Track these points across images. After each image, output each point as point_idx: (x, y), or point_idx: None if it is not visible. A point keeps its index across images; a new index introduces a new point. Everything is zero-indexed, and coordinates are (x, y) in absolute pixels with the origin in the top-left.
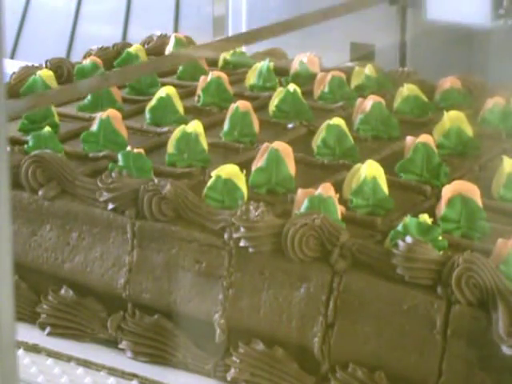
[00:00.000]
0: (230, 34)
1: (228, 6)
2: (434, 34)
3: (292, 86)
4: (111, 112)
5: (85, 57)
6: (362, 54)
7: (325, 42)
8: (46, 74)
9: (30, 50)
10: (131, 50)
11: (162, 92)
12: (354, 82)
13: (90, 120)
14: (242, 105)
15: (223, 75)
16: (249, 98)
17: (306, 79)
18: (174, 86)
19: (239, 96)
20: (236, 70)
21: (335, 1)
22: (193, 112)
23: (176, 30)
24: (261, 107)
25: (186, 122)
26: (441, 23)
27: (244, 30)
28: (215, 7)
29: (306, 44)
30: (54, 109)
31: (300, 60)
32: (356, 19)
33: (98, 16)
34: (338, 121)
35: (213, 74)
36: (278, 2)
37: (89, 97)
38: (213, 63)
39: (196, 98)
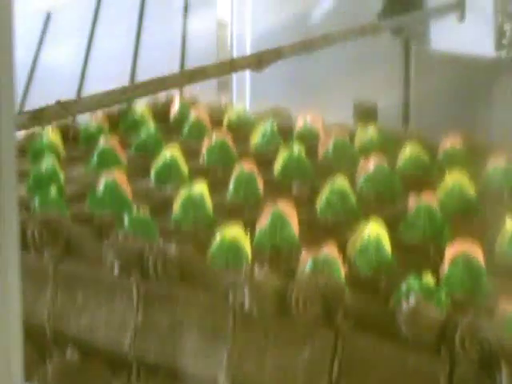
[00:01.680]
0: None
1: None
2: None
3: (296, 147)
4: (117, 173)
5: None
6: (365, 113)
7: (327, 100)
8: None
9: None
10: (137, 116)
11: (167, 153)
12: (358, 143)
13: (96, 180)
14: (246, 166)
15: (227, 136)
16: (253, 158)
17: (309, 138)
18: (179, 145)
19: (243, 156)
20: (240, 129)
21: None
22: (197, 172)
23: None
24: (265, 167)
25: (190, 183)
26: (445, 56)
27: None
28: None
29: (309, 102)
30: (59, 170)
31: (304, 119)
32: (359, 76)
33: (105, 72)
34: (341, 181)
35: (217, 136)
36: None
37: (95, 157)
38: (217, 122)
39: (200, 159)
